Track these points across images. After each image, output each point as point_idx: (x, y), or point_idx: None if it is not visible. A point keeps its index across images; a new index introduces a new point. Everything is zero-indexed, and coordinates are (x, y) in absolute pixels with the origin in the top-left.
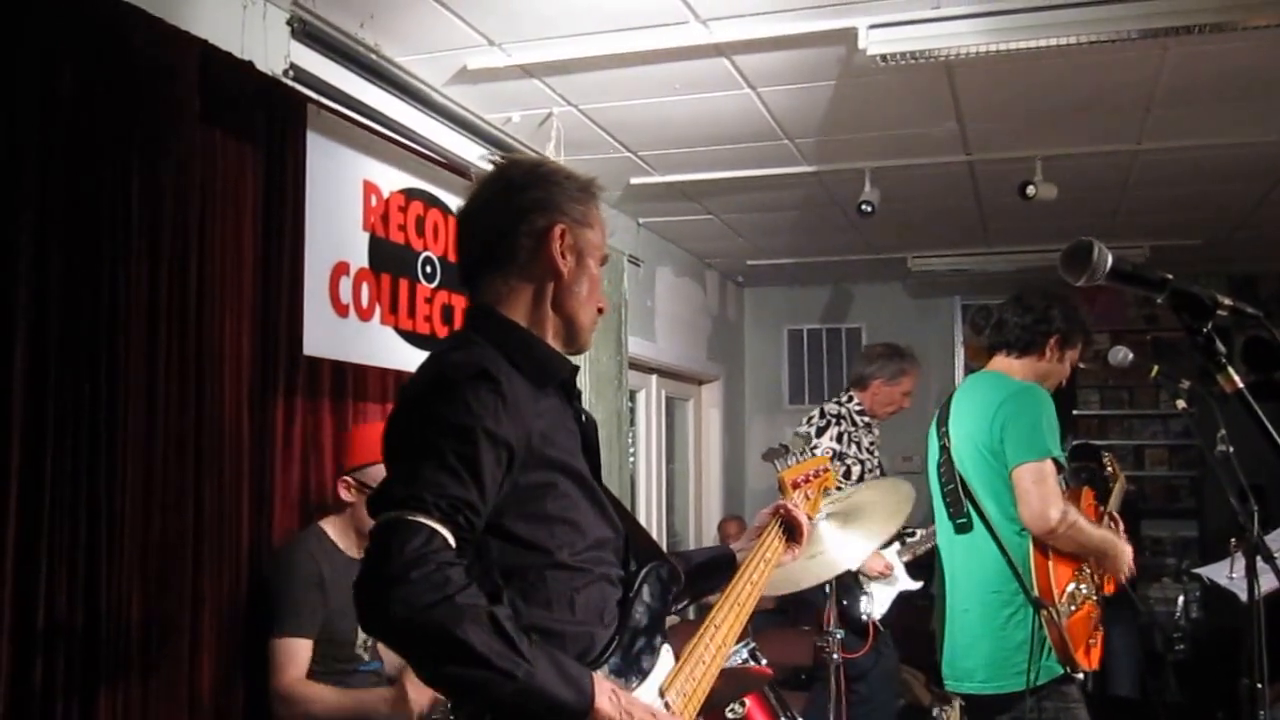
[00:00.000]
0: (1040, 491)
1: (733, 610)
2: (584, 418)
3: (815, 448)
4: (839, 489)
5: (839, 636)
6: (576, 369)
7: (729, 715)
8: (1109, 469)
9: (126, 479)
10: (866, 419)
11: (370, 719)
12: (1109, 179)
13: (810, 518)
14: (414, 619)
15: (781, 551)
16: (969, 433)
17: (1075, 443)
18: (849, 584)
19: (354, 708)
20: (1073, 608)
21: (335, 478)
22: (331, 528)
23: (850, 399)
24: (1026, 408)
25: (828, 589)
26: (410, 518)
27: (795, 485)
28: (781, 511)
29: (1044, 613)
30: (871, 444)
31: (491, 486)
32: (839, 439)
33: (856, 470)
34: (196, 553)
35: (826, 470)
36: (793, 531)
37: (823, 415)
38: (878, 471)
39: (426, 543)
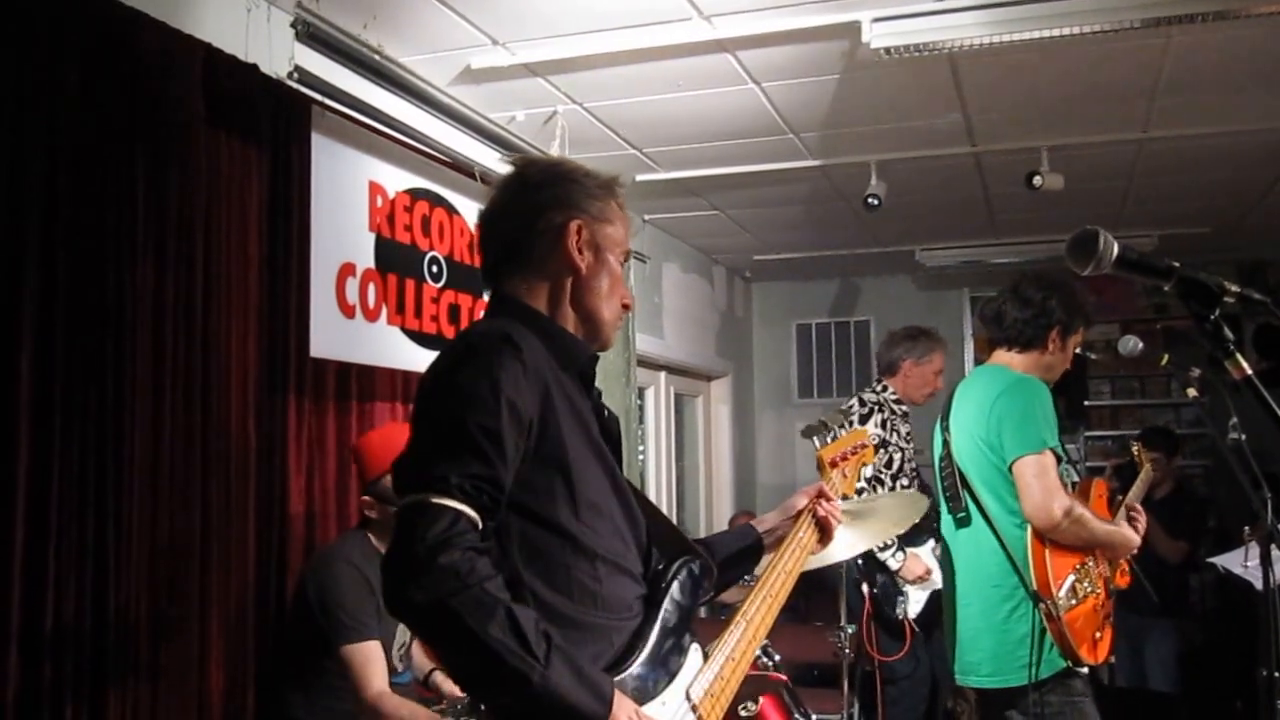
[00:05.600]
0: (1042, 484)
1: (765, 601)
2: (606, 413)
3: None
4: (870, 483)
5: (850, 633)
6: (596, 357)
7: (742, 713)
8: (1137, 457)
9: (134, 482)
10: (904, 408)
11: None
12: (1115, 168)
13: (846, 496)
14: (434, 607)
15: (816, 540)
16: (967, 427)
17: (1146, 429)
18: (887, 586)
19: None
20: (1073, 601)
21: (358, 495)
22: (372, 533)
23: (884, 388)
24: (1021, 400)
25: (865, 588)
26: (435, 500)
27: (833, 464)
28: (816, 510)
29: (1041, 607)
30: (908, 433)
31: (514, 456)
32: (883, 425)
33: (898, 459)
34: (204, 555)
35: (865, 446)
36: (825, 527)
37: (863, 404)
38: (914, 463)
39: (451, 526)
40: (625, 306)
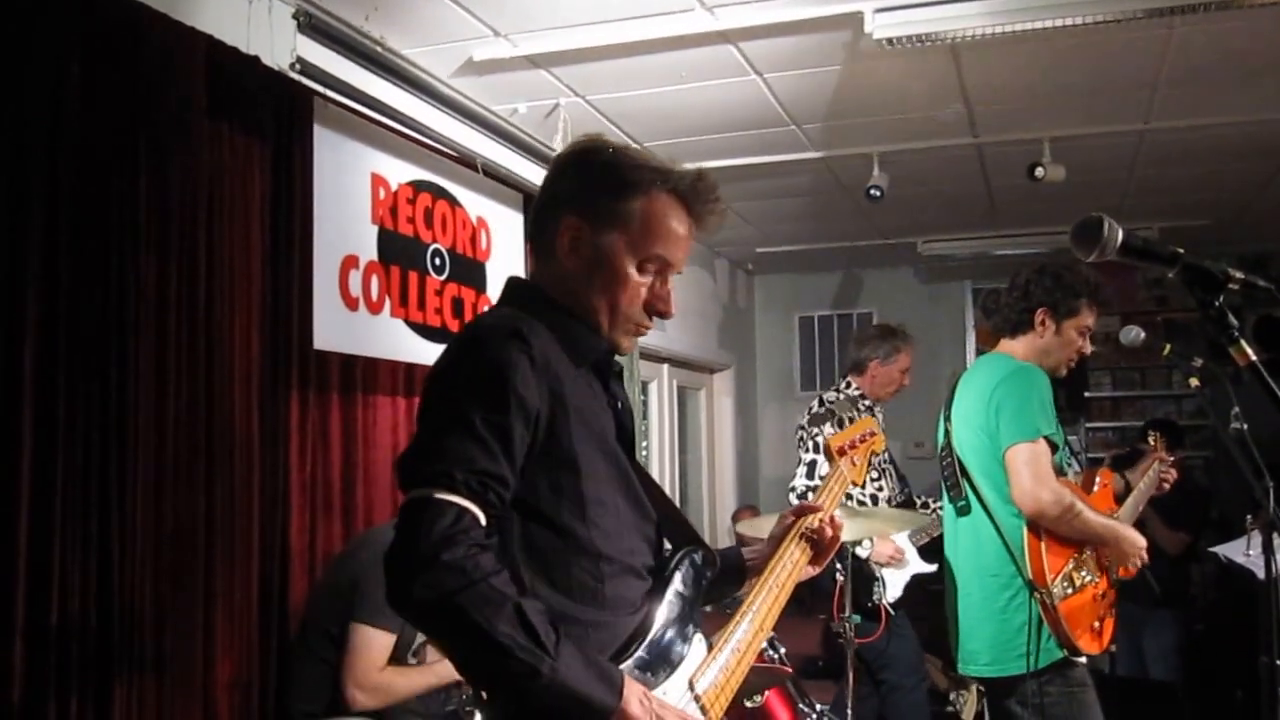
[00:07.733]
0: (1032, 471)
1: (771, 592)
2: (620, 404)
3: (816, 436)
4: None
5: (856, 621)
6: (612, 351)
7: (747, 704)
8: (1154, 446)
9: (137, 475)
10: (867, 402)
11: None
12: (1117, 159)
13: (856, 484)
14: (439, 603)
15: (808, 560)
16: (967, 416)
17: (1151, 420)
18: (860, 570)
19: (435, 682)
20: (1069, 591)
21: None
22: None
23: (848, 385)
24: (1019, 388)
25: (839, 575)
26: (439, 495)
27: (841, 452)
28: (808, 530)
29: (1037, 596)
30: None
31: (520, 452)
32: (839, 425)
33: None
34: (209, 547)
35: (874, 434)
36: (818, 543)
37: (821, 404)
38: (884, 454)
39: (456, 522)
40: (661, 313)
